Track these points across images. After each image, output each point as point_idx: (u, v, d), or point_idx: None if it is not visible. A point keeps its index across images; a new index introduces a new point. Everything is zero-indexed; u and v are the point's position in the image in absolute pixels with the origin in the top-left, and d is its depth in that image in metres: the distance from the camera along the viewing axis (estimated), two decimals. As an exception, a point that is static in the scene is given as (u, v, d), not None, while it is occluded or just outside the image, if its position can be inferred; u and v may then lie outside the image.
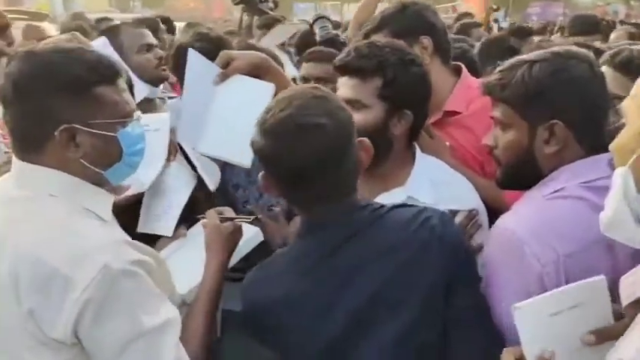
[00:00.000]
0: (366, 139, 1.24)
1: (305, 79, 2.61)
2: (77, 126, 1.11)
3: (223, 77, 1.66)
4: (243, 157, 1.54)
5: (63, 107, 1.11)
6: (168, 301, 1.16)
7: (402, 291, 1.16)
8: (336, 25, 8.04)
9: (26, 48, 1.19)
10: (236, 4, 4.81)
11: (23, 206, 1.13)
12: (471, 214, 1.48)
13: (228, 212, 1.47)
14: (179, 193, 1.65)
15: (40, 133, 1.12)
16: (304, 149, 1.14)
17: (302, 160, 1.14)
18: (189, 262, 1.41)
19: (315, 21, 3.42)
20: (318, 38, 3.29)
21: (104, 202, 1.20)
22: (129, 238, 1.17)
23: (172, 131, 1.69)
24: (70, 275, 1.03)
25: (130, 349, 1.06)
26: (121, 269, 1.05)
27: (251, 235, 1.49)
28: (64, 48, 1.17)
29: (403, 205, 1.27)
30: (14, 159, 1.18)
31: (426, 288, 1.16)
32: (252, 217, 1.50)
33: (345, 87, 1.48)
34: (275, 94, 1.65)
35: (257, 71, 1.69)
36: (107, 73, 1.16)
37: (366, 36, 1.78)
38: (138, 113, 1.22)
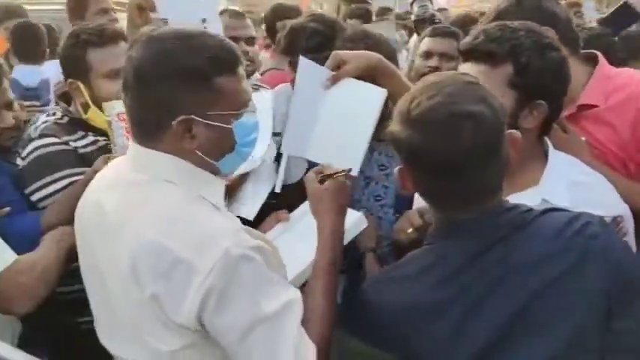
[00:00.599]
0: (516, 132, 1.12)
1: (427, 55, 2.53)
2: (195, 117, 1.07)
3: (334, 80, 1.59)
4: (352, 164, 1.48)
5: (182, 98, 1.07)
6: (287, 284, 1.13)
7: (555, 307, 1.03)
8: (384, 11, 7.72)
9: (148, 32, 1.14)
10: None
11: (141, 190, 1.12)
12: (616, 221, 1.32)
13: (327, 169, 1.36)
14: (266, 180, 1.62)
15: (157, 121, 1.09)
16: (457, 140, 1.02)
17: (454, 152, 1.03)
18: (295, 246, 1.35)
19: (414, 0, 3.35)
20: (413, 17, 3.17)
21: (217, 189, 1.17)
22: (243, 226, 1.14)
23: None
24: (193, 261, 1.01)
25: (252, 334, 1.03)
26: (241, 254, 1.03)
27: (355, 220, 1.41)
28: (186, 33, 1.11)
29: (555, 209, 1.14)
30: (131, 142, 1.17)
31: (582, 305, 1.03)
32: (348, 170, 1.37)
33: (471, 73, 1.36)
34: (389, 98, 1.59)
35: (371, 72, 1.60)
36: (228, 61, 1.11)
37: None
38: (253, 102, 1.17)
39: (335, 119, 1.57)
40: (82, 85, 1.72)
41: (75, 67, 1.74)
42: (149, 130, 1.11)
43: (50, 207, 1.62)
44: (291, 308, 1.07)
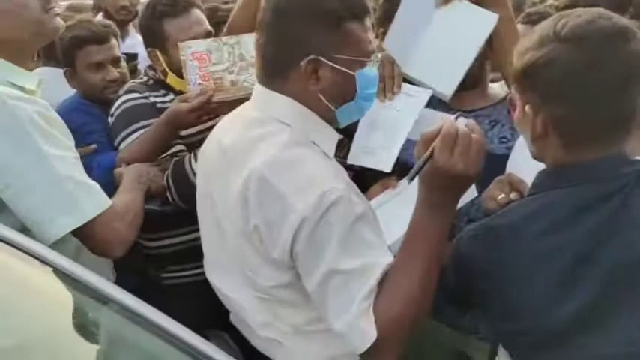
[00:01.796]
0: None
1: None
2: (322, 59, 1.12)
3: (446, 1, 1.61)
4: (448, 87, 1.53)
5: (314, 38, 1.12)
6: (380, 247, 1.12)
7: None
8: None
9: None
10: None
11: (257, 128, 1.17)
12: None
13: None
14: (399, 131, 1.59)
15: (287, 59, 1.15)
16: (615, 58, 0.97)
17: (611, 71, 0.97)
18: (399, 213, 1.32)
19: None
20: None
21: (330, 138, 1.21)
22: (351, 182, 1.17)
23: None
24: (292, 200, 1.07)
25: (328, 283, 1.07)
26: (336, 200, 1.06)
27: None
28: None
29: None
30: (256, 84, 1.23)
31: None
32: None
33: None
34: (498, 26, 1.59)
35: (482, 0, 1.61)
36: (359, 9, 1.15)
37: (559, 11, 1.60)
38: (377, 55, 1.21)
39: (441, 38, 1.58)
40: (159, 53, 1.80)
41: (153, 37, 1.83)
42: (278, 68, 1.17)
43: (124, 148, 1.73)
44: (371, 270, 1.07)
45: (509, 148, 1.61)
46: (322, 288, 1.07)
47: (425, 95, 1.62)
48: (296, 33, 1.13)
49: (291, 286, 1.14)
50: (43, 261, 1.01)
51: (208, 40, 1.70)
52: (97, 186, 1.31)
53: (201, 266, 1.40)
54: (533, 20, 2.35)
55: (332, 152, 1.20)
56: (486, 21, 1.56)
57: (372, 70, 1.18)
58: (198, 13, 1.84)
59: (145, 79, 1.89)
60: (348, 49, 1.13)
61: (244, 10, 1.77)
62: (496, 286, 1.07)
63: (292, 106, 1.16)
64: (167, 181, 1.64)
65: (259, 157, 1.12)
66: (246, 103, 1.27)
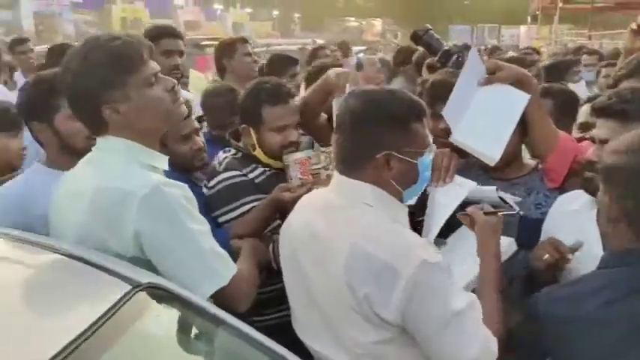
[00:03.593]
0: None
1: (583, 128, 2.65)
2: (394, 153, 1.39)
3: (487, 82, 1.91)
4: (493, 152, 1.80)
5: (387, 137, 1.39)
6: (462, 289, 1.43)
7: None
8: (494, 49, 7.91)
9: (360, 88, 1.54)
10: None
11: (347, 212, 1.44)
12: None
13: (487, 207, 1.68)
14: (444, 211, 1.83)
15: (364, 155, 1.41)
16: None
17: None
18: (461, 261, 1.63)
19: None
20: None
21: (404, 214, 1.51)
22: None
23: None
24: (397, 267, 1.29)
25: (448, 327, 1.31)
26: (434, 263, 1.33)
27: (507, 244, 1.68)
28: (389, 89, 1.49)
29: None
30: (335, 174, 1.50)
31: None
32: (516, 211, 1.70)
33: (604, 128, 1.63)
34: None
35: (518, 84, 1.92)
36: (421, 111, 1.46)
37: (617, 82, 1.87)
38: (433, 145, 1.51)
39: (483, 110, 1.88)
40: (252, 131, 2.11)
41: (250, 117, 2.13)
42: (356, 162, 1.42)
43: (237, 223, 2.01)
44: (474, 306, 1.38)
45: (544, 213, 1.91)
46: (443, 330, 1.30)
47: (470, 185, 1.89)
48: (371, 135, 1.38)
49: (392, 343, 1.35)
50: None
51: (307, 150, 2.04)
52: (226, 254, 1.53)
53: (283, 310, 1.70)
54: (552, 93, 2.65)
55: (407, 224, 1.50)
56: (520, 99, 1.85)
57: (429, 157, 1.45)
58: (293, 105, 2.11)
59: (234, 152, 2.17)
60: (414, 143, 1.41)
61: (318, 94, 2.12)
62: (565, 344, 1.31)
63: (374, 190, 1.41)
64: (273, 252, 1.90)
65: (357, 234, 1.34)
66: (327, 191, 1.50)
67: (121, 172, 1.38)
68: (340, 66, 2.40)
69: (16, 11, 33.65)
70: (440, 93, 1.99)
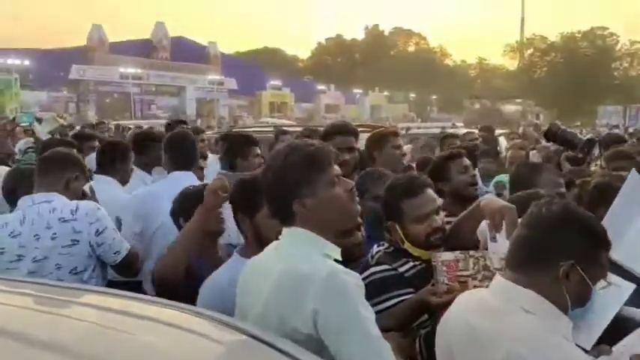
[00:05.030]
0: None
1: None
2: (579, 268, 1.39)
3: None
4: None
5: (579, 248, 1.40)
6: None
7: None
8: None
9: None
10: None
11: (504, 317, 1.42)
12: None
13: None
14: (604, 316, 1.75)
15: (550, 258, 1.40)
16: None
17: None
18: None
19: None
20: None
21: (567, 327, 1.46)
22: None
23: None
24: None
25: None
26: None
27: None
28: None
29: None
30: (497, 278, 1.53)
31: None
32: None
33: None
34: None
35: None
36: (609, 244, 1.46)
37: None
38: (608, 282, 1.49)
39: None
40: (397, 226, 2.17)
41: (392, 212, 2.20)
42: (538, 262, 1.41)
43: (384, 316, 2.02)
44: None
45: None
46: None
47: (629, 288, 1.78)
48: (566, 239, 1.38)
49: None
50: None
51: (456, 252, 2.00)
52: (386, 342, 1.58)
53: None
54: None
55: (570, 337, 1.45)
56: None
57: (600, 291, 1.43)
58: (430, 193, 2.12)
59: (386, 245, 2.28)
60: (599, 267, 1.42)
61: (471, 222, 2.05)
62: None
63: (538, 299, 1.39)
64: (419, 347, 1.92)
65: (515, 340, 1.33)
66: (484, 291, 1.53)
67: (304, 257, 1.52)
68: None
69: (182, 98, 38.49)
70: (603, 197, 1.99)
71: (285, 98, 45.42)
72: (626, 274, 1.90)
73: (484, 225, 1.90)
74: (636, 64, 51.21)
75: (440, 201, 2.18)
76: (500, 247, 1.79)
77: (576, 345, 1.79)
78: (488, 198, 2.08)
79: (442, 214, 2.15)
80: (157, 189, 2.84)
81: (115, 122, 13.75)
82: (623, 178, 2.17)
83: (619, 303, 1.77)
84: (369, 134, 3.63)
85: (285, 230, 1.61)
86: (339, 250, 1.63)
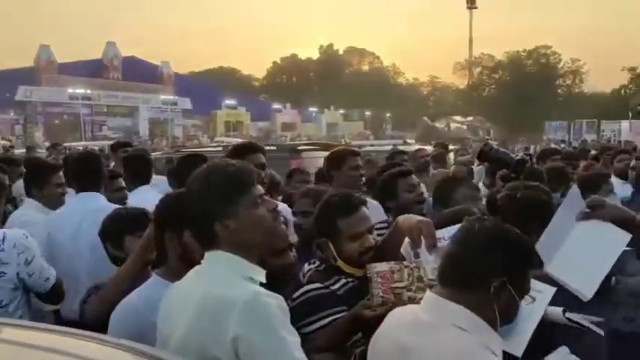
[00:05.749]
0: None
1: None
2: (509, 285, 1.41)
3: (587, 217, 1.89)
4: (588, 289, 1.72)
5: (509, 267, 1.42)
6: None
7: None
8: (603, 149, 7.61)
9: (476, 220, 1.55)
10: None
11: (440, 332, 1.41)
12: None
13: None
14: (531, 321, 1.77)
15: (482, 276, 1.41)
16: None
17: None
18: None
19: None
20: None
21: (498, 345, 1.47)
22: None
23: None
24: None
25: None
26: None
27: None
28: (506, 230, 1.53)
29: None
30: (429, 293, 1.53)
31: None
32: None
33: None
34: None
35: (622, 225, 1.88)
36: (538, 262, 1.54)
37: None
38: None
39: (580, 246, 1.83)
40: (331, 244, 2.14)
41: (326, 229, 2.16)
42: (469, 281, 1.42)
43: (318, 336, 2.01)
44: None
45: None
46: None
47: (550, 292, 1.83)
48: (499, 257, 1.40)
49: None
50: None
51: (391, 262, 1.97)
52: None
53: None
54: None
55: (500, 353, 1.45)
56: (621, 238, 1.80)
57: (524, 306, 1.48)
58: (365, 211, 2.10)
59: (318, 264, 2.16)
60: (525, 284, 1.45)
61: (395, 237, 2.01)
62: None
63: (470, 315, 1.40)
64: None
65: (445, 357, 1.35)
66: (418, 309, 1.50)
67: (225, 282, 1.48)
68: None
69: (135, 118, 37.78)
70: (531, 212, 2.03)
71: (240, 117, 45.26)
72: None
73: (406, 242, 1.91)
74: (578, 82, 53.52)
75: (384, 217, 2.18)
76: (428, 259, 1.80)
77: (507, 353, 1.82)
78: (406, 215, 2.08)
79: (375, 233, 2.15)
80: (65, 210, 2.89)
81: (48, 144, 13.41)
82: (547, 192, 2.24)
83: (543, 307, 1.80)
84: (327, 153, 3.52)
85: (206, 254, 1.55)
86: (263, 272, 1.58)
